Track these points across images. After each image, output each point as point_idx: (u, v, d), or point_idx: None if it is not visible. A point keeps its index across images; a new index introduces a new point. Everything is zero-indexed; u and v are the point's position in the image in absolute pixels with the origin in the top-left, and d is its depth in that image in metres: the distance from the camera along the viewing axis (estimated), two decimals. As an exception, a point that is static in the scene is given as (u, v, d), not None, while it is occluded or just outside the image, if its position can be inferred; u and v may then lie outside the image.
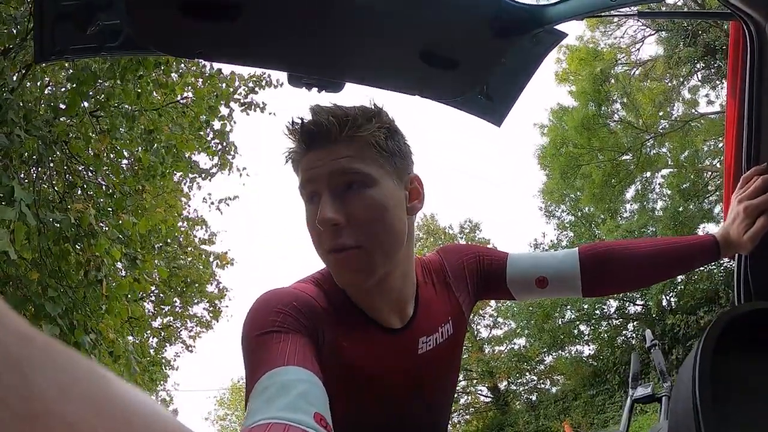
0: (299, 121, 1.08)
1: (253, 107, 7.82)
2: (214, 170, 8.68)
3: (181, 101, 6.69)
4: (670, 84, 17.14)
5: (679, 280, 16.01)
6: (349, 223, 1.05)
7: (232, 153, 8.31)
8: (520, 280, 1.35)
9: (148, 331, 11.28)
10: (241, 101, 7.75)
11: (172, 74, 5.96)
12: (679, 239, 1.36)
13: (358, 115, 1.08)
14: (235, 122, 7.81)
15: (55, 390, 0.19)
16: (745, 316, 0.85)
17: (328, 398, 0.88)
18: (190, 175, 8.59)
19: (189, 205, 11.28)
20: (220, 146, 8.07)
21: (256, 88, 7.75)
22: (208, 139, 7.83)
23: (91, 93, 5.12)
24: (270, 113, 7.96)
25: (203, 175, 8.58)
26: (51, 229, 4.14)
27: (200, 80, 6.95)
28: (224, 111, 7.52)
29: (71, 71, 4.87)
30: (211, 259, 11.75)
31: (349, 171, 1.05)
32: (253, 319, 1.00)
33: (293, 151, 1.11)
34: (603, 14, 1.50)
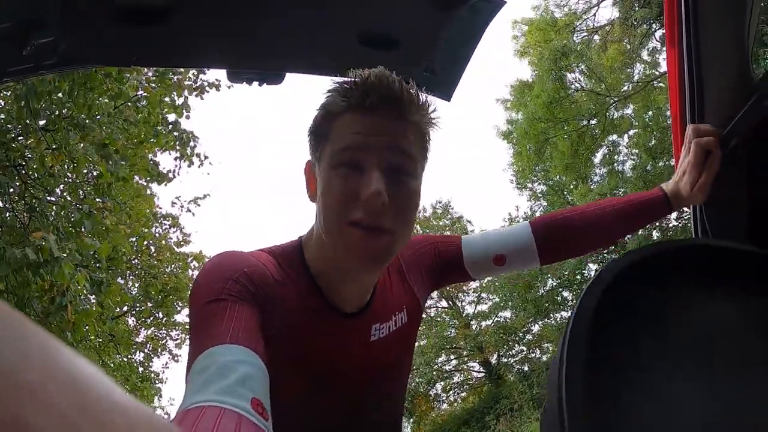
0: (366, 78, 0.98)
1: (206, 88, 7.46)
2: (175, 173, 8.42)
3: (135, 102, 6.51)
4: (629, 46, 17.25)
5: (654, 237, 16.22)
6: (389, 207, 0.97)
7: (191, 142, 7.98)
8: (478, 261, 1.35)
9: (134, 347, 11.18)
10: (193, 86, 7.37)
11: (125, 82, 5.82)
12: (629, 197, 1.37)
13: (423, 98, 1.02)
14: (191, 108, 7.46)
15: (17, 357, 0.20)
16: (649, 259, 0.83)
17: (269, 381, 0.85)
18: (148, 179, 8.32)
19: (159, 207, 11.17)
20: (177, 141, 7.73)
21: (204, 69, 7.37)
22: (165, 133, 7.49)
23: (41, 110, 5.01)
24: (228, 86, 7.61)
25: (161, 179, 8.27)
26: (12, 260, 4.02)
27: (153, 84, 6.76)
28: (178, 101, 7.24)
29: (18, 91, 4.76)
30: (189, 260, 11.62)
31: (404, 153, 0.99)
32: (202, 285, 0.96)
33: (343, 104, 0.99)
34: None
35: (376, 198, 0.95)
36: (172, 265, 11.15)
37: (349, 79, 1.00)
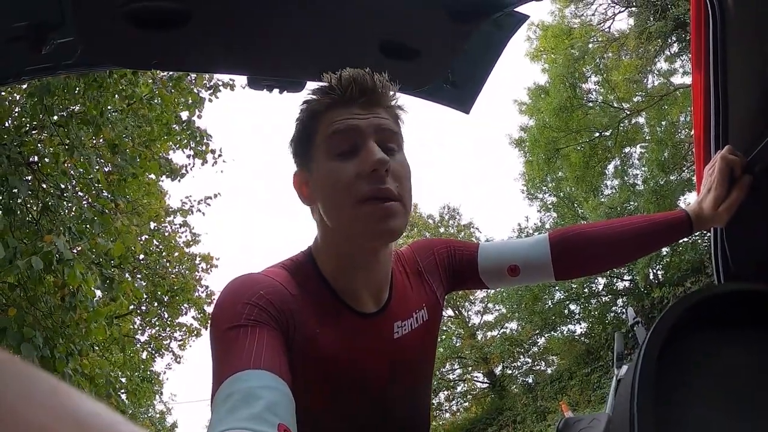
0: (342, 76, 1.08)
1: (221, 87, 7.50)
2: (187, 168, 8.39)
3: (149, 100, 6.51)
4: (643, 57, 17.17)
5: (665, 253, 16.14)
6: (390, 176, 1.05)
7: (204, 141, 8.03)
8: (491, 270, 1.35)
9: (138, 345, 11.19)
10: (207, 85, 7.42)
11: (139, 84, 5.83)
12: (649, 217, 1.35)
13: (392, 87, 1.12)
14: (203, 107, 7.51)
15: (17, 396, 0.20)
16: (698, 305, 0.84)
17: (294, 405, 0.86)
18: (162, 177, 8.34)
19: (171, 207, 11.18)
20: (191, 138, 7.78)
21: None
22: (178, 130, 7.56)
23: (54, 106, 5.04)
24: (243, 86, 7.65)
25: (174, 176, 8.29)
26: (19, 267, 4.04)
27: (169, 86, 6.76)
28: (191, 99, 7.31)
29: (32, 88, 4.79)
30: (197, 261, 11.62)
31: (391, 131, 1.09)
32: (221, 311, 0.98)
33: (327, 101, 1.08)
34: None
35: (382, 165, 1.02)
36: (180, 265, 11.15)
37: (326, 82, 1.10)
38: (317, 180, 1.08)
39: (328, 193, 1.06)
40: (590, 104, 17.81)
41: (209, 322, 1.01)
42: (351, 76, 1.07)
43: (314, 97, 1.10)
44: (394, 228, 1.04)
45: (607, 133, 17.67)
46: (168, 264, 10.69)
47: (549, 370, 20.11)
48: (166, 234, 11.16)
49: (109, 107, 5.58)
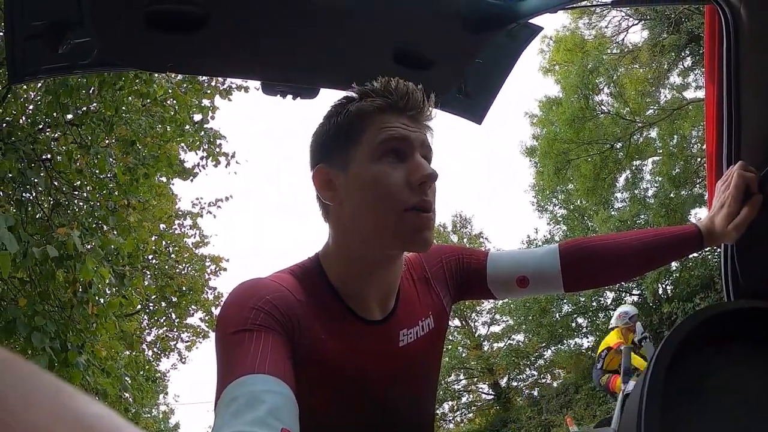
0: (398, 84, 1.10)
1: (234, 89, 7.42)
2: (199, 167, 8.39)
3: (163, 101, 6.54)
4: (656, 70, 17.12)
5: (674, 268, 16.01)
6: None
7: (217, 142, 8.05)
8: (500, 280, 1.35)
9: (144, 345, 11.21)
10: (220, 88, 7.37)
11: (154, 84, 5.87)
12: (660, 231, 1.35)
13: (435, 107, 1.16)
14: (217, 108, 7.51)
15: (17, 398, 0.20)
16: (707, 322, 0.84)
17: (298, 410, 0.86)
18: (171, 176, 8.36)
19: (181, 210, 11.22)
20: (204, 140, 7.79)
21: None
22: (192, 132, 7.57)
23: (70, 104, 5.07)
24: (256, 88, 7.64)
25: (185, 176, 8.29)
26: (35, 255, 4.07)
27: (183, 86, 6.78)
28: (205, 101, 7.33)
29: (49, 85, 4.84)
30: (207, 263, 11.64)
31: (431, 148, 1.13)
32: (228, 315, 0.99)
33: (380, 103, 1.09)
34: (577, 5, 1.48)
35: (432, 179, 1.07)
36: (189, 267, 11.18)
37: (378, 85, 1.11)
38: (355, 180, 1.09)
39: (369, 195, 1.07)
40: (602, 115, 17.74)
41: (215, 325, 1.01)
42: (407, 87, 1.10)
43: (360, 95, 1.11)
44: (428, 239, 1.08)
45: (619, 146, 17.59)
46: (176, 264, 10.72)
47: (555, 384, 19.97)
48: (175, 234, 11.19)
49: (123, 107, 5.62)
